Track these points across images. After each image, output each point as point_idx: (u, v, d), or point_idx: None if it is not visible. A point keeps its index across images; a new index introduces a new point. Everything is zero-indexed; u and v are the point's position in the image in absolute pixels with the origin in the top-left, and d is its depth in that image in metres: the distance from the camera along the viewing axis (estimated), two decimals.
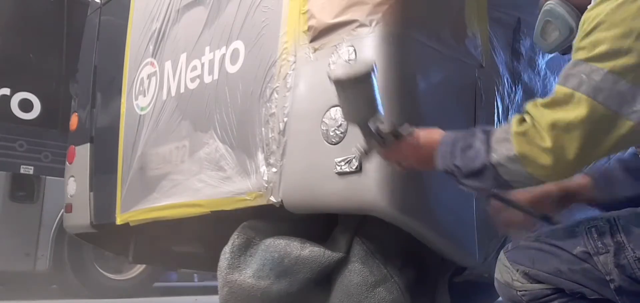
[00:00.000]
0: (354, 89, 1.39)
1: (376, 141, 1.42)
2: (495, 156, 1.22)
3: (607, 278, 1.20)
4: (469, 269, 2.16)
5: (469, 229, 2.04)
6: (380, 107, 1.41)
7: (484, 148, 1.24)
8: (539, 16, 1.52)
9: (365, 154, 1.49)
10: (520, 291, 1.29)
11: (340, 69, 1.42)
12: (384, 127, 1.40)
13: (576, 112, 1.13)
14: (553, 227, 1.37)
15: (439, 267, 2.21)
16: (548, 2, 1.49)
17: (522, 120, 1.21)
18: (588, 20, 1.17)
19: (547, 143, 1.15)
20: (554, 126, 1.15)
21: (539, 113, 1.17)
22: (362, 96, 1.39)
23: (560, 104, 1.16)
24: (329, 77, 1.39)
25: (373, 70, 1.38)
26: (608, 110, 1.11)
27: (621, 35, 1.11)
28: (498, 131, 1.25)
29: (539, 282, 1.27)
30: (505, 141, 1.21)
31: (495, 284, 1.37)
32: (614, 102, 1.11)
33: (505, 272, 1.31)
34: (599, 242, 1.22)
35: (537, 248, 1.29)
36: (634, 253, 1.19)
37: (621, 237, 1.21)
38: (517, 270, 1.29)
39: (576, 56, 1.17)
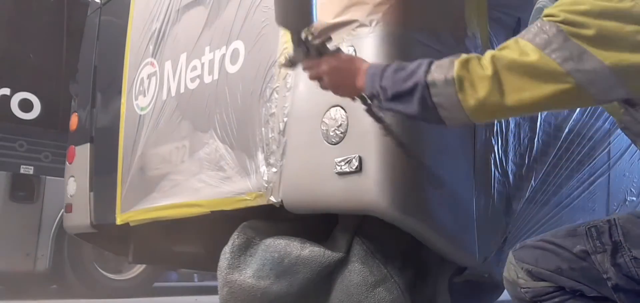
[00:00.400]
0: None
1: (302, 51, 1.43)
2: (430, 77, 1.27)
3: (604, 276, 1.23)
4: (469, 269, 2.16)
5: (469, 229, 2.04)
6: (315, 18, 1.41)
7: (423, 70, 1.29)
8: (532, 14, 1.54)
9: (291, 64, 1.49)
10: (523, 288, 1.32)
11: None
12: (313, 39, 1.42)
13: (523, 57, 1.18)
14: (558, 228, 1.40)
15: (439, 267, 2.21)
16: (540, 1, 1.52)
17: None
18: None
19: (488, 71, 1.20)
20: (496, 58, 1.21)
21: (487, 52, 1.23)
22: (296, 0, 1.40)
23: (509, 47, 1.22)
24: None
25: None
26: (553, 62, 1.16)
27: (583, 11, 1.17)
28: (443, 60, 1.29)
29: (541, 279, 1.29)
30: (447, 67, 1.26)
31: (504, 281, 1.40)
32: (560, 57, 1.16)
33: (512, 269, 1.35)
34: (598, 241, 1.26)
35: (541, 247, 1.32)
36: (631, 252, 1.22)
37: (619, 237, 1.24)
38: (522, 268, 1.32)
39: (542, 18, 1.23)
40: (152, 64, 2.99)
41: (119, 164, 3.11)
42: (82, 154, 3.55)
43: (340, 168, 1.90)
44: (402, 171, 1.85)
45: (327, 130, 1.97)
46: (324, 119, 1.98)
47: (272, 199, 2.15)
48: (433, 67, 1.28)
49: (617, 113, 1.32)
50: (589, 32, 1.15)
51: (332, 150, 1.94)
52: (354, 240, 2.10)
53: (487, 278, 2.24)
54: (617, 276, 1.22)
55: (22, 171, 4.73)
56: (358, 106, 1.90)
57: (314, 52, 1.43)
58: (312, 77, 1.52)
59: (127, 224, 3.02)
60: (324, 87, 1.52)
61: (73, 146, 3.68)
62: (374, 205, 1.87)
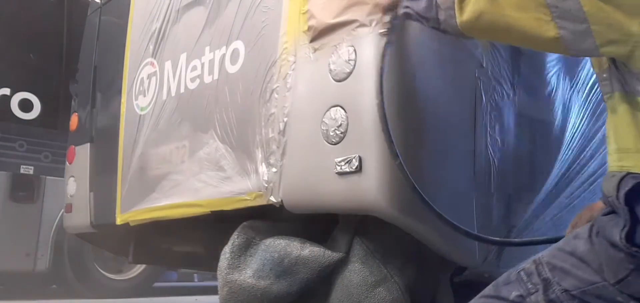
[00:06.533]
0: None
1: None
2: None
3: None
4: (469, 269, 2.16)
5: (469, 229, 2.04)
6: None
7: None
8: None
9: None
10: None
11: None
12: None
13: None
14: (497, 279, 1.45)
15: (439, 267, 2.21)
16: None
17: None
18: None
19: None
20: None
21: None
22: None
23: None
24: None
25: None
26: (546, 7, 1.20)
27: None
28: None
29: None
30: None
31: None
32: (553, 2, 1.19)
33: None
34: (529, 283, 1.30)
35: (483, 301, 1.38)
36: (560, 285, 1.26)
37: (547, 274, 1.29)
38: None
39: None
40: (152, 64, 2.99)
41: (119, 164, 3.11)
42: (82, 154, 3.55)
43: (340, 168, 1.90)
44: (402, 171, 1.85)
45: (327, 130, 1.97)
46: (324, 119, 1.98)
47: (272, 199, 2.15)
48: None
49: (601, 66, 1.33)
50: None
51: (332, 150, 1.94)
52: (354, 240, 2.10)
53: (487, 278, 2.23)
54: None
55: (22, 171, 4.74)
56: (358, 106, 1.91)
57: None
58: None
59: (127, 224, 3.01)
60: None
61: (73, 146, 3.68)
62: (374, 205, 1.87)
